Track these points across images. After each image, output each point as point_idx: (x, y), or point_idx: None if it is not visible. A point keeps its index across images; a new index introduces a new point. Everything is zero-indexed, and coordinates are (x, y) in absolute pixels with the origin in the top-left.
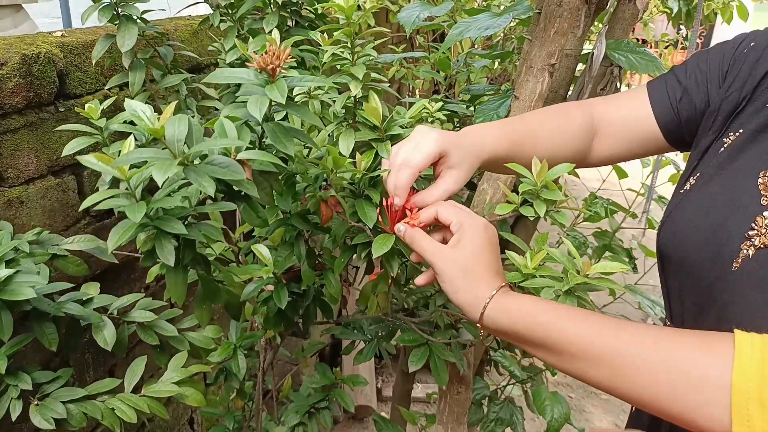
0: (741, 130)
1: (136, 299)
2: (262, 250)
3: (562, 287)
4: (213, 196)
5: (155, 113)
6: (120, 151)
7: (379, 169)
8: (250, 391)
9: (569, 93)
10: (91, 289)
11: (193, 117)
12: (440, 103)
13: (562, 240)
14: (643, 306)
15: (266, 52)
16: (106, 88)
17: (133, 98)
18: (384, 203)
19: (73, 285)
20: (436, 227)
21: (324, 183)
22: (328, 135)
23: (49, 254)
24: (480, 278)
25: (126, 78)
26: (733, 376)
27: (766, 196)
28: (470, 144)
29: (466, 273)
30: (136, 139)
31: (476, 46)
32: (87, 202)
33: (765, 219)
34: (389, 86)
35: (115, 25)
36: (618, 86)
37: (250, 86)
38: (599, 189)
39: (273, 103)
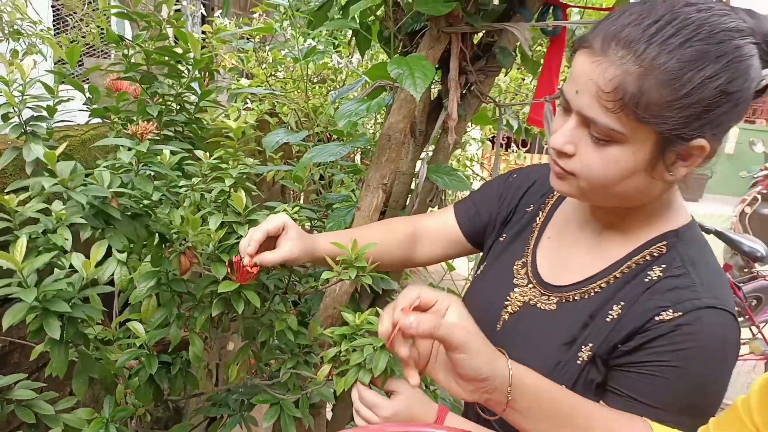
0: (508, 233)
1: (18, 380)
2: (137, 326)
3: (378, 344)
4: (84, 207)
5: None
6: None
7: (231, 240)
8: None
9: (407, 202)
10: None
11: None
12: (297, 207)
13: None
14: None
15: (137, 125)
16: (7, 190)
17: (32, 199)
18: (234, 260)
19: None
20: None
21: (183, 241)
22: (202, 217)
23: None
24: (491, 345)
25: (27, 182)
26: None
27: (516, 278)
28: (308, 236)
29: (486, 341)
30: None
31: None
32: None
33: (514, 294)
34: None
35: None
36: (443, 198)
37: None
38: (442, 279)
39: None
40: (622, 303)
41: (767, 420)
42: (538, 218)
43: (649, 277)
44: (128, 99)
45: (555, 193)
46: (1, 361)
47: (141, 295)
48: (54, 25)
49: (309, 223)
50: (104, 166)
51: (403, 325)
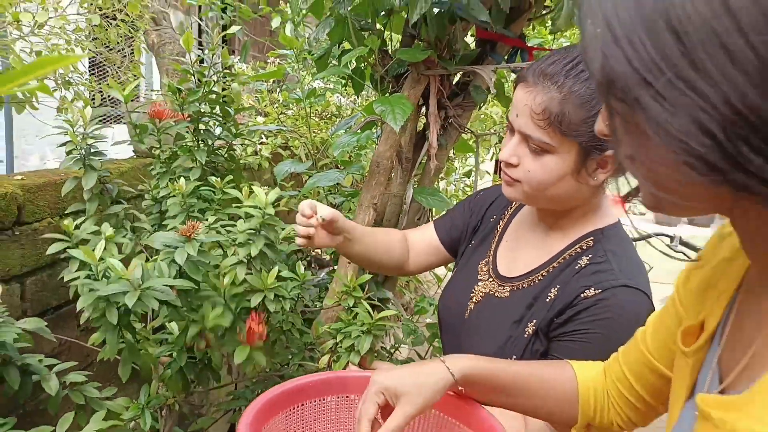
0: (476, 239)
1: (71, 366)
2: (173, 326)
3: (363, 328)
4: (156, 309)
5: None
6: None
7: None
8: None
9: (398, 221)
10: (37, 358)
11: (126, 234)
12: None
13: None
14: None
15: (185, 225)
16: (66, 212)
17: (86, 220)
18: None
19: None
20: None
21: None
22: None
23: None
24: (422, 363)
25: (81, 206)
26: (578, 380)
27: (480, 275)
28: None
29: (407, 369)
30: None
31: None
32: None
33: (478, 287)
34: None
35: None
36: (429, 217)
37: (176, 244)
38: (435, 293)
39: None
40: (558, 286)
41: (656, 345)
42: (499, 226)
43: (579, 265)
44: (170, 125)
45: (513, 205)
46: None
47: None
48: (91, 72)
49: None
50: (162, 260)
51: None
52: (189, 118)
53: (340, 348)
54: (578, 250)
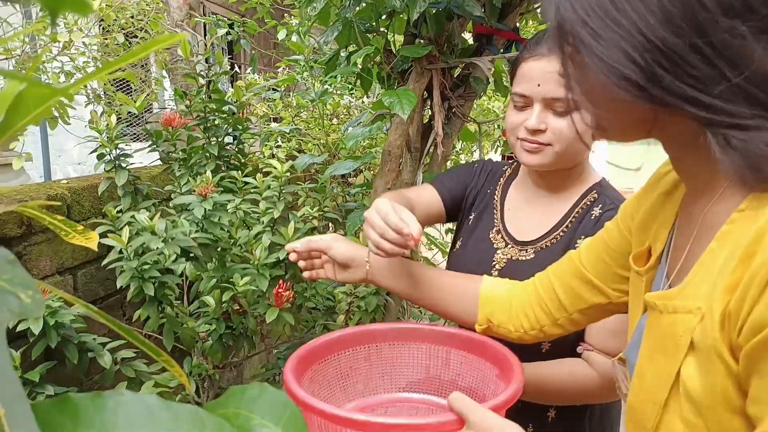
0: (475, 212)
1: (121, 343)
2: (209, 300)
3: (371, 290)
4: (178, 254)
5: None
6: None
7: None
8: None
9: None
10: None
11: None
12: (317, 209)
13: None
14: None
15: (201, 185)
16: (104, 209)
17: (123, 213)
18: (274, 291)
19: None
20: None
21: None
22: (257, 233)
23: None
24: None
25: (117, 204)
26: (482, 287)
27: (495, 243)
28: None
29: (348, 243)
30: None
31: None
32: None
33: (497, 255)
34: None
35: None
36: None
37: (195, 203)
38: (433, 256)
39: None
40: (582, 236)
41: (591, 260)
42: (496, 195)
43: (594, 215)
44: (180, 132)
45: (503, 176)
46: None
47: (207, 288)
48: (117, 88)
49: (331, 224)
50: (184, 218)
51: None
52: (197, 117)
53: (353, 307)
54: (587, 203)
